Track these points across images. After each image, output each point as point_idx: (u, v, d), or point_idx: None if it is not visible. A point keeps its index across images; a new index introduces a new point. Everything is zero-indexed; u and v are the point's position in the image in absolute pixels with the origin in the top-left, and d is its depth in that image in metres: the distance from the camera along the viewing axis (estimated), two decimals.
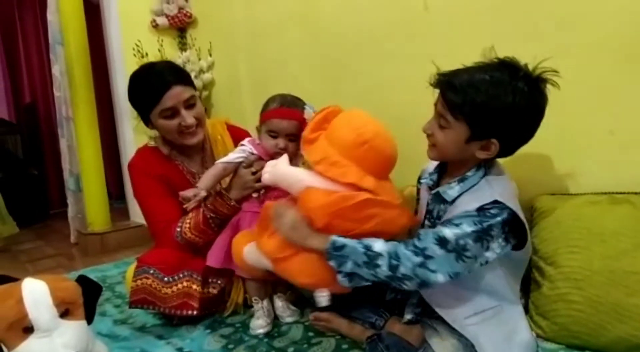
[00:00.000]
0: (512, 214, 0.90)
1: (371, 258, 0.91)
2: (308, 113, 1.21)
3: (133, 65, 2.29)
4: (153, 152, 1.44)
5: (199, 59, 2.40)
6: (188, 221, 1.31)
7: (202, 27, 2.46)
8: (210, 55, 2.39)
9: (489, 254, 0.91)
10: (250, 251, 1.11)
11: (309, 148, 1.03)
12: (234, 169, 1.29)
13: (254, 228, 1.15)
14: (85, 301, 0.94)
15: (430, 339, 1.00)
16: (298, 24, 1.90)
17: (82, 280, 0.97)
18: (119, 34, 2.43)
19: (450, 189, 0.98)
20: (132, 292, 1.28)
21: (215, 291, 1.35)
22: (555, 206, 1.16)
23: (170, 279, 1.29)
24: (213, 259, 1.30)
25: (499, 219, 0.89)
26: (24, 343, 0.85)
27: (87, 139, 2.34)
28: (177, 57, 2.40)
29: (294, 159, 1.21)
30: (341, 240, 0.93)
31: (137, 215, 2.54)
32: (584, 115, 1.17)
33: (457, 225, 0.89)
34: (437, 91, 0.96)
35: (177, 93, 1.32)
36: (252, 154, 1.28)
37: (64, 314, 0.90)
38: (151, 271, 1.28)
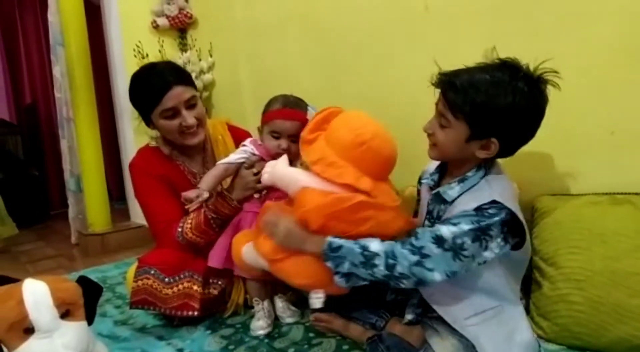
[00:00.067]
0: (511, 214, 0.90)
1: (368, 258, 0.91)
2: (311, 114, 1.21)
3: (133, 66, 2.30)
4: (154, 153, 1.44)
5: (200, 60, 2.40)
6: (189, 221, 1.31)
7: (202, 27, 2.47)
8: (211, 56, 2.39)
9: (487, 254, 0.91)
10: (248, 251, 1.11)
11: (307, 148, 1.03)
12: (236, 169, 1.29)
13: (254, 228, 1.15)
14: (86, 302, 0.94)
15: (431, 340, 0.99)
16: (298, 25, 1.90)
17: (83, 281, 0.97)
18: (119, 35, 2.43)
19: (451, 189, 0.98)
20: (133, 292, 1.28)
21: (216, 292, 1.35)
22: (556, 207, 1.15)
23: (171, 280, 1.29)
24: (214, 259, 1.30)
25: (496, 218, 0.89)
26: (25, 344, 0.85)
27: (87, 139, 2.34)
28: (177, 57, 2.40)
29: (296, 160, 1.21)
30: (337, 241, 0.93)
31: (137, 216, 2.55)
32: (585, 116, 1.17)
33: (454, 224, 0.89)
34: (438, 91, 0.96)
35: (178, 93, 1.32)
36: (254, 154, 1.27)
37: (65, 315, 0.90)
38: (152, 272, 1.28)
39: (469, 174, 0.97)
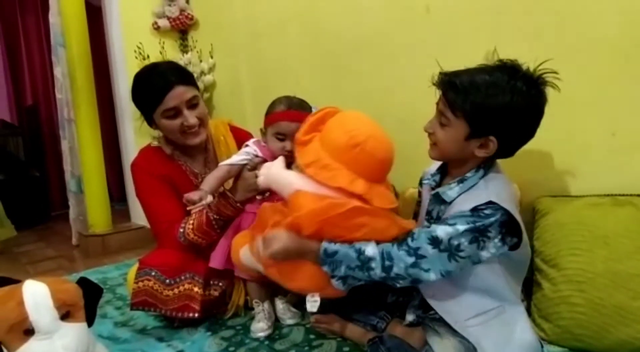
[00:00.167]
0: (508, 215, 0.91)
1: (364, 262, 0.92)
2: None
3: (134, 67, 2.29)
4: (156, 152, 1.44)
5: (200, 61, 2.40)
6: (191, 222, 1.31)
7: (203, 29, 2.47)
8: (212, 57, 2.39)
9: (483, 254, 0.92)
10: (245, 253, 1.11)
11: (301, 150, 1.02)
12: (238, 171, 1.28)
13: (251, 229, 1.14)
14: (86, 303, 0.94)
15: (432, 341, 0.99)
16: (299, 26, 1.90)
17: (83, 282, 0.97)
18: (120, 36, 2.43)
19: (450, 190, 0.99)
20: (134, 294, 1.27)
21: (216, 293, 1.35)
22: (557, 208, 1.15)
23: (172, 281, 1.28)
24: (215, 260, 1.29)
25: (492, 219, 0.90)
26: (25, 345, 0.85)
27: (88, 140, 2.34)
28: (178, 59, 2.40)
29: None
30: (332, 246, 0.94)
31: (138, 217, 2.55)
32: (586, 117, 1.17)
33: (450, 225, 0.90)
34: (438, 92, 0.98)
35: (179, 93, 1.32)
36: (257, 156, 1.27)
37: (65, 316, 0.89)
38: (153, 273, 1.28)
39: (469, 174, 0.98)
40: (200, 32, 2.48)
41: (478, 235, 0.90)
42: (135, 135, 2.45)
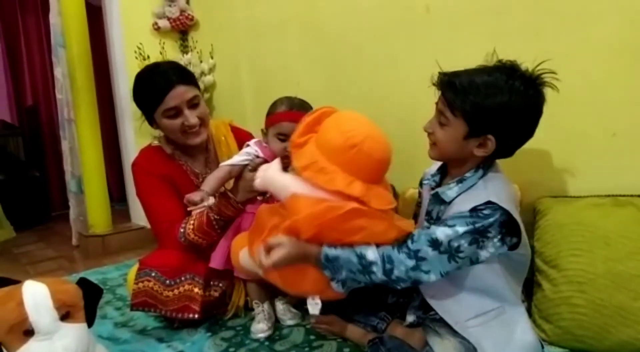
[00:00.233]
0: (508, 215, 0.91)
1: (365, 266, 0.92)
2: None
3: (135, 67, 2.29)
4: (157, 152, 1.44)
5: (201, 62, 2.40)
6: (192, 222, 1.31)
7: (203, 29, 2.47)
8: (212, 57, 2.39)
9: (482, 253, 0.93)
10: (245, 256, 1.09)
11: (297, 153, 0.99)
12: (239, 171, 1.28)
13: (250, 230, 1.13)
14: (86, 304, 0.94)
15: (432, 342, 0.99)
16: (299, 26, 1.90)
17: (83, 283, 0.97)
18: (120, 37, 2.43)
19: (449, 190, 0.99)
20: (134, 294, 1.27)
21: (216, 294, 1.35)
22: (558, 209, 1.15)
23: (172, 282, 1.28)
24: (216, 260, 1.29)
25: (491, 220, 0.90)
26: (25, 346, 0.85)
27: (88, 141, 2.34)
28: (178, 59, 2.40)
29: None
30: (333, 251, 0.93)
31: (138, 217, 2.54)
32: (587, 118, 1.17)
33: (450, 226, 0.91)
34: (438, 92, 0.98)
35: (180, 93, 1.32)
36: (258, 156, 1.26)
37: (65, 316, 0.89)
38: (153, 274, 1.28)
39: (468, 174, 0.98)
40: (200, 33, 2.48)
41: (478, 236, 0.90)
42: (136, 136, 2.45)
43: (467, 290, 0.98)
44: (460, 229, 0.89)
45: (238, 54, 2.25)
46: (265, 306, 1.29)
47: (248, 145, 1.29)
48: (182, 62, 2.33)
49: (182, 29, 2.49)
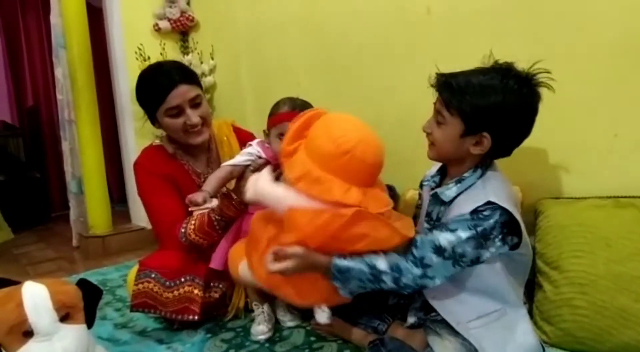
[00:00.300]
0: (508, 214, 0.92)
1: (376, 276, 0.93)
2: None
3: (135, 68, 2.30)
4: (158, 151, 1.44)
5: (201, 63, 2.40)
6: (193, 222, 1.31)
7: (204, 30, 2.47)
8: (212, 58, 2.39)
9: (483, 253, 0.93)
10: (244, 269, 1.08)
11: (288, 162, 0.97)
12: (241, 172, 1.27)
13: (247, 238, 1.10)
14: (86, 305, 0.93)
15: (433, 343, 0.99)
16: (300, 27, 1.90)
17: (83, 284, 0.96)
18: (121, 38, 2.43)
19: (448, 190, 1.00)
20: (133, 295, 1.27)
21: (216, 295, 1.34)
22: (560, 210, 1.15)
23: (172, 284, 1.28)
24: (216, 261, 1.29)
25: (491, 221, 0.91)
26: (24, 347, 0.84)
27: (89, 141, 2.34)
28: (179, 60, 2.40)
29: None
30: (343, 262, 0.93)
31: (138, 218, 2.54)
32: (588, 119, 1.17)
33: (452, 231, 0.92)
34: (436, 93, 0.99)
35: (182, 92, 1.33)
36: (260, 157, 1.26)
37: (64, 318, 0.89)
38: (153, 275, 1.28)
39: (466, 174, 0.99)
40: (201, 34, 2.48)
41: (481, 241, 0.91)
42: (136, 136, 2.45)
43: (469, 291, 0.98)
44: (463, 234, 0.90)
45: (238, 55, 2.25)
46: (265, 307, 1.29)
47: (250, 145, 1.29)
48: None
49: (182, 30, 2.50)
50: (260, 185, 1.00)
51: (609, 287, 1.00)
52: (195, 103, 1.36)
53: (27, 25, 3.72)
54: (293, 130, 0.99)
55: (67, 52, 2.33)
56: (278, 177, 1.05)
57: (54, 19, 2.40)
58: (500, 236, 0.93)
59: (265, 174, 1.03)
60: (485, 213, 0.92)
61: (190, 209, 1.23)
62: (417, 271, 0.92)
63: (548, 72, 0.94)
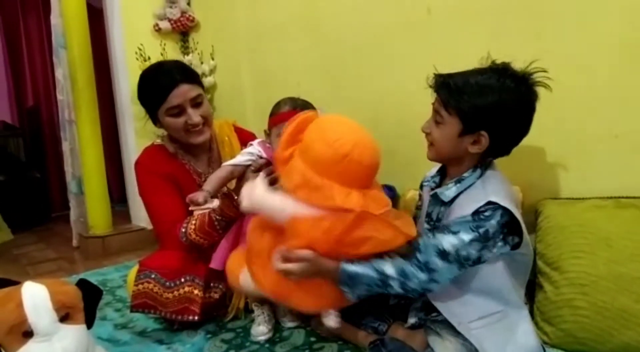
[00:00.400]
0: (509, 213, 0.92)
1: (384, 281, 0.94)
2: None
3: (136, 69, 2.30)
4: (160, 151, 1.44)
5: (202, 63, 2.40)
6: (193, 222, 1.30)
7: (204, 31, 2.47)
8: (213, 59, 2.39)
9: (486, 254, 0.94)
10: (246, 279, 1.06)
11: (285, 170, 0.95)
12: (242, 172, 1.27)
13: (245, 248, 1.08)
14: (86, 305, 0.93)
15: (434, 344, 0.99)
16: (301, 28, 1.90)
17: (83, 284, 0.96)
18: (121, 38, 2.43)
19: (448, 190, 1.00)
20: (133, 296, 1.27)
21: (216, 296, 1.34)
22: (560, 211, 1.15)
23: (172, 284, 1.28)
24: (216, 261, 1.28)
25: (493, 222, 0.91)
26: (24, 347, 0.84)
27: (89, 142, 2.34)
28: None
29: None
30: (352, 268, 0.93)
31: (138, 218, 2.54)
32: (589, 119, 1.16)
33: (454, 233, 0.92)
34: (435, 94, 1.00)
35: (184, 91, 1.33)
36: (261, 157, 1.25)
37: (64, 318, 0.89)
38: (153, 276, 1.28)
39: (466, 174, 1.00)
40: (201, 34, 2.48)
41: (485, 242, 0.92)
42: (136, 137, 2.45)
43: (472, 292, 0.98)
44: (466, 237, 0.91)
45: (239, 55, 2.25)
46: (266, 308, 1.28)
47: (251, 144, 1.29)
48: None
49: (182, 30, 2.50)
50: (257, 195, 0.97)
51: (609, 288, 1.00)
52: (196, 102, 1.36)
53: (27, 25, 3.72)
54: (287, 135, 0.98)
55: (67, 52, 2.33)
56: (272, 182, 1.04)
57: (54, 19, 2.40)
58: (501, 236, 0.93)
59: (260, 183, 1.00)
60: (487, 214, 0.92)
61: (190, 208, 1.23)
62: (423, 276, 0.92)
63: (545, 70, 0.94)
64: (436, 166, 1.12)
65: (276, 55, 2.04)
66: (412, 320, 1.08)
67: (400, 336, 1.07)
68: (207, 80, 2.37)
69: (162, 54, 2.45)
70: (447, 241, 0.91)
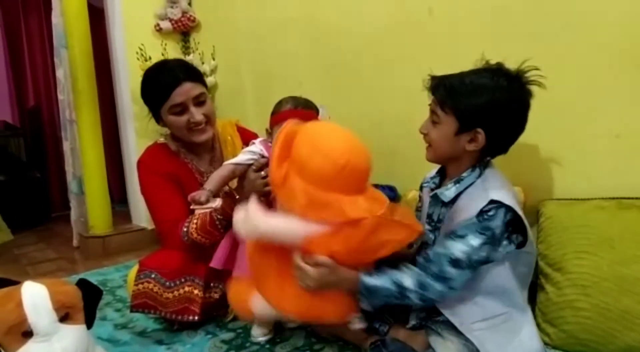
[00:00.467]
0: (513, 212, 0.93)
1: (402, 294, 0.95)
2: (323, 115, 1.19)
3: (136, 69, 2.30)
4: (162, 150, 1.44)
5: (202, 63, 2.40)
6: (195, 221, 1.30)
7: (205, 31, 2.47)
8: (214, 59, 2.39)
9: (493, 254, 0.95)
10: (259, 303, 1.01)
11: (283, 192, 0.92)
12: (244, 171, 1.26)
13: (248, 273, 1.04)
14: (86, 305, 0.93)
15: (435, 345, 0.98)
16: (301, 28, 1.90)
17: (82, 284, 0.96)
18: (122, 38, 2.43)
19: (447, 190, 1.01)
20: (133, 296, 1.27)
21: (217, 296, 1.34)
22: (562, 212, 1.14)
23: (172, 284, 1.28)
24: (216, 260, 1.28)
25: (498, 221, 0.92)
26: (23, 347, 0.84)
27: (90, 142, 2.33)
28: None
29: None
30: (372, 282, 0.95)
31: (139, 218, 2.54)
32: (590, 119, 1.16)
33: (462, 238, 0.93)
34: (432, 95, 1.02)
35: (186, 89, 1.33)
36: (263, 156, 1.25)
37: (64, 318, 0.88)
38: (153, 276, 1.27)
39: (465, 174, 1.00)
40: (202, 34, 2.48)
41: (491, 243, 0.93)
42: (137, 136, 2.45)
43: (475, 292, 0.98)
44: (475, 242, 0.92)
45: (240, 55, 2.25)
46: None
47: (253, 143, 1.28)
48: None
49: (183, 30, 2.50)
50: (256, 220, 0.93)
51: (612, 289, 0.99)
52: (199, 101, 1.37)
53: (28, 25, 3.72)
54: (277, 151, 0.94)
55: (68, 52, 2.33)
56: (265, 194, 1.01)
57: (55, 19, 2.40)
58: (505, 234, 0.94)
59: (254, 207, 0.95)
60: (491, 213, 0.93)
61: (192, 207, 1.23)
62: (440, 286, 0.94)
63: (537, 69, 0.96)
64: (436, 167, 1.12)
65: (277, 55, 2.04)
66: (413, 321, 1.08)
67: (401, 336, 1.07)
68: (208, 80, 2.36)
69: (163, 54, 2.45)
70: (457, 249, 0.93)
